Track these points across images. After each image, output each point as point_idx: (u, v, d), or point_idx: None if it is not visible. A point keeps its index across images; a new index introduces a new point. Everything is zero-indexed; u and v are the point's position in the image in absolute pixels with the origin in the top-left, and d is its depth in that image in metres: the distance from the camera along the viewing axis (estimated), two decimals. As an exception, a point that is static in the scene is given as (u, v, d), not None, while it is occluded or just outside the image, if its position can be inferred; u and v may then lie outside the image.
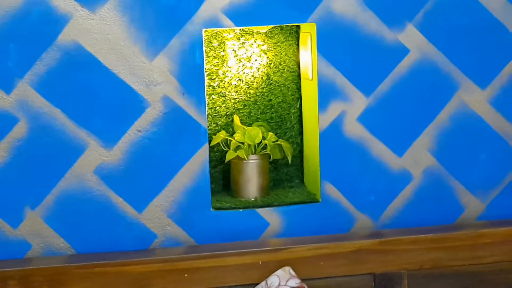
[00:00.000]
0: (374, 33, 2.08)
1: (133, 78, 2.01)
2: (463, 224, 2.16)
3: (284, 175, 2.28)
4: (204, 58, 2.15)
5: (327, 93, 2.09)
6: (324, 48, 2.07)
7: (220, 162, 2.24)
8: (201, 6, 2.00)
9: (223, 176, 2.25)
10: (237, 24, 2.03)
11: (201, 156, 2.06)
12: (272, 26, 2.19)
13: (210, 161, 2.21)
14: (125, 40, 1.99)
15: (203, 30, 2.02)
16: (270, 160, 2.19)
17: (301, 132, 2.27)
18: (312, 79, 2.13)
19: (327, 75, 2.08)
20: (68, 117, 2.00)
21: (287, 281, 1.97)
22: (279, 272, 1.98)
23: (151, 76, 2.02)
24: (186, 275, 1.98)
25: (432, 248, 2.07)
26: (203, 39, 2.02)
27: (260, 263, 2.00)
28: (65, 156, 2.01)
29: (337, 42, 2.07)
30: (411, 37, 2.09)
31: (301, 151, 2.28)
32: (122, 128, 2.02)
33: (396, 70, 2.10)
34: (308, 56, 2.14)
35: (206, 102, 2.18)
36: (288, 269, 1.98)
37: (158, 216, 2.06)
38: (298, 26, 2.22)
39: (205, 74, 2.18)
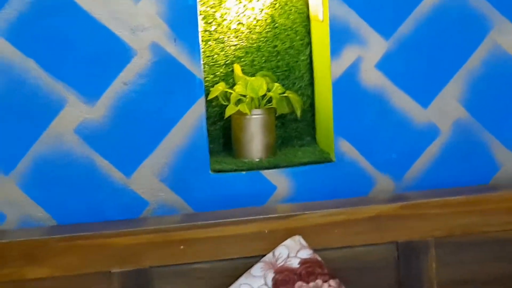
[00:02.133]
0: None
1: (116, 23, 1.93)
2: (498, 185, 2.09)
3: (293, 131, 2.20)
4: None
5: (340, 36, 2.01)
6: None
7: (219, 118, 2.16)
8: None
9: (223, 134, 2.18)
10: None
11: (197, 111, 1.98)
12: None
13: (208, 117, 2.15)
14: None
15: None
16: (277, 115, 2.11)
17: (312, 83, 2.19)
18: (323, 21, 2.03)
19: (339, 15, 2.00)
20: (43, 69, 1.92)
21: (297, 252, 1.90)
22: (288, 242, 1.91)
23: (136, 20, 1.93)
24: (181, 247, 1.91)
25: (463, 212, 2.00)
26: None
27: (266, 232, 1.94)
28: (41, 113, 1.94)
29: None
30: None
31: (312, 104, 2.20)
32: (105, 80, 1.95)
33: (419, 8, 2.01)
34: None
35: (202, 49, 2.11)
36: (298, 238, 1.92)
37: (149, 181, 1.99)
38: None
39: (200, 17, 2.11)
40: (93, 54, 1.93)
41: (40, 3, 1.89)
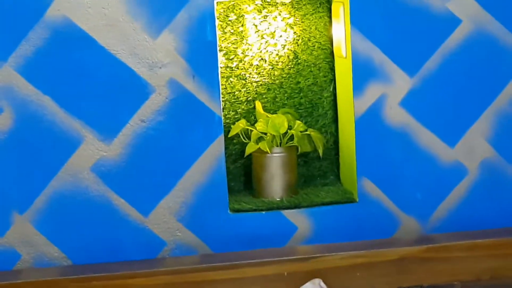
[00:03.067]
0: (418, 2, 1.97)
1: (134, 59, 1.93)
2: None
3: (316, 170, 2.18)
4: (220, 35, 2.10)
5: (363, 73, 1.99)
6: (358, 20, 1.97)
7: (240, 156, 2.14)
8: None
9: (244, 172, 2.16)
10: None
11: (216, 149, 1.97)
12: None
13: (229, 155, 2.14)
14: (123, 15, 1.91)
15: (216, 1, 1.92)
16: (298, 153, 2.08)
17: (336, 120, 2.16)
18: (346, 57, 2.02)
19: (362, 52, 1.98)
20: (59, 106, 1.92)
21: None
22: (308, 285, 1.88)
23: (155, 56, 1.93)
24: None
25: (491, 255, 1.96)
26: (215, 12, 1.93)
27: (286, 274, 1.91)
28: (57, 151, 1.94)
29: (374, 13, 1.97)
30: (463, 5, 1.99)
31: (336, 142, 2.17)
32: (123, 118, 1.94)
33: (445, 44, 1.99)
34: (341, 30, 2.03)
35: (222, 86, 2.11)
36: (318, 281, 1.89)
37: (166, 220, 1.98)
38: None
39: (221, 53, 2.11)
40: (110, 90, 1.93)
41: (57, 39, 1.90)
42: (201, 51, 1.94)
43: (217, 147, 1.97)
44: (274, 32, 2.13)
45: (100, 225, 1.96)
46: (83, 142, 1.94)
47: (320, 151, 2.06)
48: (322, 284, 1.88)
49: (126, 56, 1.92)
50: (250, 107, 2.15)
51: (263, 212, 2.01)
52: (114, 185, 1.96)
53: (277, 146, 2.06)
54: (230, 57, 2.12)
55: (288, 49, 2.14)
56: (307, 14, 2.13)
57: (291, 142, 2.06)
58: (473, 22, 1.99)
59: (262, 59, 2.14)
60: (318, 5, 2.12)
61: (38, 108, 1.92)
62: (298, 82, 2.16)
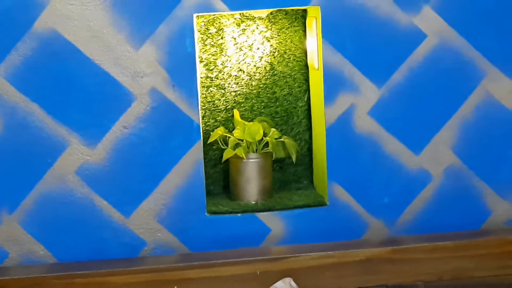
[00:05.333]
0: (386, 17, 1.95)
1: (117, 69, 1.91)
2: (489, 230, 2.03)
3: (291, 175, 2.16)
4: (201, 47, 2.08)
5: (334, 84, 1.97)
6: (329, 34, 1.94)
7: (220, 161, 2.12)
8: None
9: (223, 176, 2.14)
10: (231, 8, 1.91)
11: (194, 154, 1.95)
12: (275, 10, 2.07)
13: (209, 160, 2.12)
14: (107, 27, 1.89)
15: (195, 15, 1.90)
16: (273, 159, 2.07)
17: (310, 128, 2.14)
18: (318, 69, 2.00)
19: (333, 64, 1.96)
20: (46, 113, 1.90)
21: None
22: (279, 284, 1.86)
23: (137, 66, 1.91)
24: (176, 286, 1.87)
25: (453, 257, 1.94)
26: (194, 25, 1.91)
27: (258, 273, 1.89)
28: (44, 155, 1.92)
29: (344, 27, 1.95)
30: (428, 21, 1.96)
31: (310, 149, 2.15)
32: (106, 124, 1.92)
33: (411, 57, 1.97)
34: (314, 43, 2.01)
35: (202, 95, 2.10)
36: (288, 280, 1.86)
37: (147, 221, 1.96)
38: (305, 10, 2.09)
39: (202, 64, 2.09)
40: (94, 98, 1.91)
41: (44, 49, 1.88)
42: (181, 62, 1.92)
43: (196, 152, 1.95)
44: (252, 44, 2.11)
45: (84, 225, 1.94)
46: (69, 147, 1.92)
47: (293, 157, 2.04)
48: (293, 283, 1.87)
49: (110, 66, 1.91)
50: (229, 115, 2.13)
51: (239, 215, 1.99)
52: (97, 187, 1.94)
53: (253, 152, 2.04)
54: (210, 68, 2.10)
55: (265, 60, 2.12)
56: (283, 28, 2.11)
57: (266, 149, 2.05)
58: (438, 36, 1.97)
59: (240, 70, 2.12)
60: (294, 19, 2.11)
61: (26, 114, 1.90)
62: (274, 92, 2.14)
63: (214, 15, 2.07)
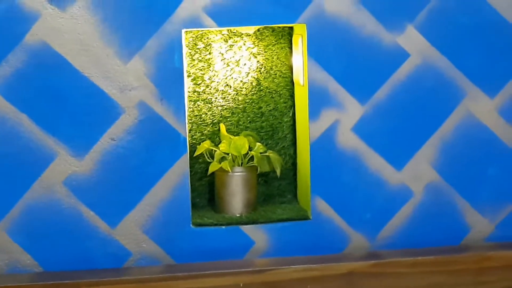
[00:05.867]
0: (370, 36, 1.96)
1: (106, 82, 1.90)
2: (468, 246, 2.03)
3: (275, 189, 2.16)
4: (188, 62, 2.08)
5: (319, 100, 1.97)
6: (315, 51, 1.95)
7: (205, 174, 2.11)
8: (181, 4, 1.89)
9: (209, 189, 2.13)
10: (219, 25, 1.91)
11: (181, 167, 1.94)
12: (262, 27, 2.08)
13: (195, 173, 2.12)
14: (97, 40, 1.89)
15: (183, 30, 1.91)
16: (258, 172, 2.06)
17: (294, 143, 2.15)
18: (303, 85, 2.01)
19: (318, 81, 1.96)
20: (35, 123, 1.89)
21: None
22: None
23: (125, 80, 1.91)
24: None
25: (433, 272, 1.94)
26: (183, 41, 1.91)
27: (241, 285, 1.89)
28: (32, 165, 1.91)
29: (329, 45, 1.95)
30: (412, 40, 1.97)
31: (294, 164, 2.15)
32: (94, 136, 1.91)
33: (394, 76, 1.98)
34: (300, 60, 2.02)
35: (189, 108, 2.10)
36: None
37: (133, 232, 1.95)
38: (291, 28, 2.09)
39: (190, 78, 2.09)
40: (83, 110, 1.90)
41: (35, 61, 1.88)
42: (169, 76, 1.92)
43: (182, 165, 1.95)
44: (239, 60, 2.11)
45: (71, 235, 1.93)
46: (57, 157, 1.91)
47: (278, 172, 2.04)
48: None
49: (99, 78, 1.90)
50: (215, 129, 2.12)
51: (223, 227, 1.98)
52: (84, 198, 1.93)
53: (238, 165, 2.04)
54: (198, 82, 2.10)
55: (251, 76, 2.12)
56: (269, 45, 2.11)
57: (251, 163, 2.04)
58: (421, 56, 1.98)
59: (227, 85, 2.12)
60: (280, 36, 2.11)
61: (15, 124, 1.89)
62: (260, 107, 2.14)
63: (203, 31, 2.08)
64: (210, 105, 2.12)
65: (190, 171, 2.01)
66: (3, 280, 1.88)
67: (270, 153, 2.05)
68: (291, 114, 2.14)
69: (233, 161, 2.04)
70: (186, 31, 2.03)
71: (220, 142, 2.08)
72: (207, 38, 2.09)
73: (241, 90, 2.13)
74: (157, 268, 1.94)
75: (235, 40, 2.10)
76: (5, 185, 1.91)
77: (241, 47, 2.10)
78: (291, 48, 2.11)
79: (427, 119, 2.01)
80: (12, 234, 1.92)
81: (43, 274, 1.92)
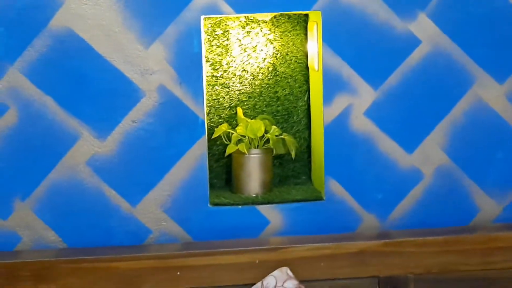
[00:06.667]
0: (383, 23, 1.97)
1: (127, 66, 1.93)
2: (476, 227, 2.05)
3: (290, 171, 2.18)
4: (207, 47, 2.10)
5: (333, 85, 1.99)
6: (329, 38, 1.97)
7: (223, 155, 2.14)
8: None
9: (226, 170, 2.16)
10: (237, 11, 1.93)
11: (199, 149, 1.97)
12: (279, 14, 2.10)
13: (213, 154, 2.15)
14: (119, 26, 1.91)
15: (202, 17, 1.93)
16: (274, 155, 2.09)
17: (309, 127, 2.17)
18: (318, 70, 2.03)
19: (332, 66, 1.98)
20: (59, 106, 1.93)
21: (284, 282, 1.86)
22: (276, 272, 1.88)
23: (146, 64, 1.94)
24: (178, 273, 1.89)
25: (441, 251, 1.96)
26: (201, 27, 1.94)
27: (257, 262, 1.91)
28: (57, 146, 1.94)
29: (343, 32, 1.97)
30: (423, 27, 1.98)
31: (309, 146, 2.18)
32: (116, 118, 1.95)
33: (406, 62, 1.99)
34: (314, 46, 2.04)
35: (207, 93, 2.12)
36: (285, 269, 1.88)
37: (153, 211, 1.98)
38: (306, 15, 2.11)
39: (208, 63, 2.12)
40: (106, 93, 1.93)
41: (59, 46, 1.91)
42: (188, 61, 1.94)
43: (200, 147, 1.97)
44: (256, 46, 2.13)
45: (93, 213, 1.97)
46: (80, 138, 1.94)
47: (293, 154, 2.06)
48: (289, 272, 1.88)
49: (121, 63, 1.93)
50: (233, 112, 2.15)
51: (240, 207, 2.01)
52: (106, 178, 1.96)
53: (255, 148, 2.06)
54: (216, 68, 2.12)
55: (267, 62, 2.14)
56: (285, 31, 2.13)
57: (267, 145, 2.07)
58: (431, 42, 1.99)
59: (244, 70, 2.14)
60: (296, 23, 2.13)
61: (40, 107, 1.92)
62: (276, 92, 2.16)
63: (221, 17, 2.10)
64: (227, 89, 2.14)
65: (208, 153, 2.03)
66: (29, 255, 1.92)
67: (285, 136, 2.07)
68: (305, 99, 2.16)
69: (250, 143, 2.07)
70: (205, 18, 2.05)
71: (237, 125, 2.10)
72: (225, 24, 2.11)
73: (258, 75, 2.15)
74: (176, 245, 1.97)
75: (252, 27, 2.12)
76: (31, 164, 1.94)
77: (258, 33, 2.12)
78: (306, 34, 2.13)
79: (437, 104, 2.02)
80: (38, 212, 1.96)
81: (67, 250, 1.96)
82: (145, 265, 1.89)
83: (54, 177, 1.95)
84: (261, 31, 2.12)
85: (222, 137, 2.09)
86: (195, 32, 1.93)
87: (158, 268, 1.89)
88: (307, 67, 2.15)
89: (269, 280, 1.87)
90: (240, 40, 2.12)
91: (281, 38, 2.14)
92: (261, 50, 2.13)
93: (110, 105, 1.94)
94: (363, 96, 2.00)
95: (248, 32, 2.12)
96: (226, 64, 2.13)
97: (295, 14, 2.12)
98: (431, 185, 2.04)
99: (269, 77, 2.15)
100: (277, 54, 2.14)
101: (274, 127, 2.08)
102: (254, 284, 1.90)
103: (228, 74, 2.14)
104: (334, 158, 2.02)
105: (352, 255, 1.94)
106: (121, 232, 1.98)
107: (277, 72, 2.15)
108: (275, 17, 2.12)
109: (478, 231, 2.01)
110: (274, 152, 2.08)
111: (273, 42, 2.14)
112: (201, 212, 1.99)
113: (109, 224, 1.97)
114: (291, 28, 2.13)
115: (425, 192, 2.04)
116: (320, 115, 2.03)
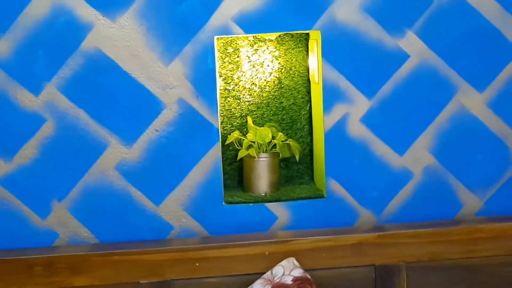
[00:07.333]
0: (375, 40, 2.09)
1: (150, 81, 2.06)
2: (461, 220, 2.15)
3: (295, 172, 2.30)
4: (220, 64, 2.23)
5: (332, 95, 2.10)
6: (328, 54, 2.09)
7: (235, 159, 2.27)
8: (213, 15, 2.05)
9: (238, 172, 2.29)
10: (246, 32, 2.07)
11: (214, 154, 2.09)
12: (283, 33, 2.22)
13: (226, 159, 2.26)
14: (143, 46, 2.04)
15: (215, 37, 2.06)
16: (280, 158, 2.21)
17: (311, 133, 2.29)
18: (318, 83, 2.15)
19: (331, 79, 2.10)
20: (91, 117, 2.05)
21: (291, 271, 1.99)
22: (284, 262, 2.00)
23: (167, 80, 2.06)
24: (197, 264, 2.01)
25: (430, 242, 2.06)
26: (215, 46, 2.07)
27: (267, 253, 2.02)
28: (89, 153, 2.06)
29: (340, 48, 2.09)
30: (411, 43, 2.10)
31: (311, 150, 2.30)
32: (141, 128, 2.07)
33: (396, 74, 2.11)
34: (315, 61, 2.16)
35: (221, 104, 2.23)
36: (292, 259, 2.00)
37: (174, 209, 2.10)
38: (308, 34, 2.24)
39: (221, 78, 2.24)
40: (131, 106, 2.06)
41: (90, 64, 2.03)
42: (203, 76, 2.07)
43: (215, 152, 2.09)
44: (263, 62, 2.25)
45: (121, 212, 2.08)
46: (109, 146, 2.06)
47: (297, 157, 2.18)
48: (295, 262, 2.00)
49: (144, 79, 2.05)
50: (243, 121, 2.27)
51: (251, 204, 2.12)
52: (133, 180, 2.08)
53: (263, 152, 2.18)
54: (228, 82, 2.25)
55: (273, 76, 2.27)
56: (289, 49, 2.26)
57: (274, 149, 2.19)
58: (419, 57, 2.10)
59: (253, 83, 2.26)
60: (298, 41, 2.25)
61: (73, 119, 2.05)
62: (281, 102, 2.28)
63: (232, 37, 2.22)
64: (238, 101, 2.27)
65: (222, 157, 2.15)
66: (65, 249, 2.05)
67: (290, 141, 2.19)
68: (308, 108, 2.28)
69: (259, 148, 2.19)
70: (218, 38, 2.19)
71: (247, 132, 2.22)
72: (236, 43, 2.24)
73: (265, 88, 2.28)
74: (195, 239, 2.09)
75: (260, 45, 2.25)
76: (66, 170, 2.06)
77: (264, 51, 2.25)
78: (307, 51, 2.25)
79: (425, 111, 2.13)
80: (72, 211, 2.08)
81: (99, 245, 2.08)
82: (168, 257, 2.01)
83: (86, 181, 2.06)
84: (267, 49, 2.25)
85: (234, 143, 2.22)
86: (210, 50, 2.06)
87: (179, 259, 2.01)
88: (308, 80, 2.27)
89: (278, 269, 1.99)
90: (249, 57, 2.25)
91: (285, 54, 2.26)
92: (268, 65, 2.26)
93: (135, 116, 2.06)
94: (359, 105, 2.10)
95: (256, 50, 2.25)
96: (237, 78, 2.25)
97: (297, 33, 2.24)
98: (420, 183, 2.14)
99: (275, 89, 2.27)
100: (282, 69, 2.27)
101: (280, 133, 2.19)
102: (264, 273, 2.01)
103: (239, 87, 2.26)
104: (334, 161, 2.12)
105: (350, 246, 2.04)
106: (146, 228, 2.09)
107: (282, 85, 2.27)
108: (279, 36, 2.26)
109: (462, 224, 2.11)
110: (280, 156, 2.20)
111: (278, 58, 2.26)
112: (216, 209, 2.11)
113: (136, 222, 2.09)
114: (294, 45, 2.26)
115: (415, 189, 2.14)
116: (321, 122, 2.14)
